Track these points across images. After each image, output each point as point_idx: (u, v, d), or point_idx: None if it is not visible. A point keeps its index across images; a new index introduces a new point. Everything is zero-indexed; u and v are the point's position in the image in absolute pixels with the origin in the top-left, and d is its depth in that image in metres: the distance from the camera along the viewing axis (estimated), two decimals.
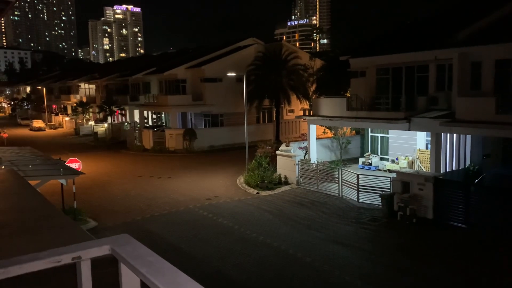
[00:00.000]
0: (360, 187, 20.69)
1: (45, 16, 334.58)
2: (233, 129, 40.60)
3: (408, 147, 25.48)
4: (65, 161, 22.38)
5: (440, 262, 13.94)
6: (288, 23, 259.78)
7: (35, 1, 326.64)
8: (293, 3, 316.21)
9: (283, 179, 24.84)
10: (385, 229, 17.37)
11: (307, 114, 41.39)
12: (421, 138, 24.70)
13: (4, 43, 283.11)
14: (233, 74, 34.07)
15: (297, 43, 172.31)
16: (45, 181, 15.91)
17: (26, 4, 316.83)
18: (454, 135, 21.01)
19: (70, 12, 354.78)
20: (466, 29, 22.10)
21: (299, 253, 14.80)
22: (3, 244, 5.26)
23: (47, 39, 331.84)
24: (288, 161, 25.10)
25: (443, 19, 27.61)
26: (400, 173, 19.27)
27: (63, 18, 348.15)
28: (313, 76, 41.36)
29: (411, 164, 24.38)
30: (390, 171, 23.99)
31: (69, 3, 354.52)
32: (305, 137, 29.14)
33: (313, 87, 40.95)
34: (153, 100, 46.39)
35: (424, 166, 23.63)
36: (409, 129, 21.48)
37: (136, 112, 51.70)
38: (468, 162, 21.93)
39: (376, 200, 19.52)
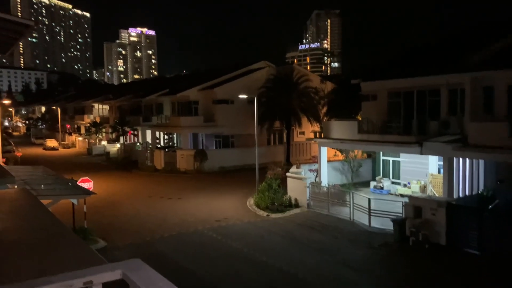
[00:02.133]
0: (371, 211, 20.45)
1: (62, 38, 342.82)
2: (243, 150, 40.67)
3: (420, 171, 25.23)
4: (77, 181, 22.56)
5: None
6: (300, 47, 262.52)
7: (53, 24, 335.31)
8: (305, 27, 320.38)
9: (293, 202, 24.68)
10: (397, 255, 17.08)
11: (318, 136, 41.36)
12: (433, 163, 24.46)
13: (22, 64, 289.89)
14: (245, 96, 34.34)
15: (308, 67, 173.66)
16: (57, 200, 16.01)
17: (44, 27, 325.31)
18: (467, 159, 20.78)
19: (86, 35, 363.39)
20: (478, 54, 22.09)
21: (309, 278, 14.58)
22: (14, 263, 5.27)
23: (63, 60, 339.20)
24: (298, 184, 24.99)
25: (454, 43, 27.66)
26: (412, 197, 19.05)
27: (79, 40, 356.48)
28: (324, 99, 41.55)
29: (423, 188, 24.09)
30: (402, 195, 23.73)
31: (85, 25, 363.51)
32: (316, 159, 29.07)
33: (324, 109, 41.08)
34: (166, 121, 46.83)
35: (436, 190, 23.33)
36: (421, 153, 21.32)
37: (149, 133, 52.16)
38: (481, 187, 21.60)
39: (388, 225, 19.24)
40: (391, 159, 27.46)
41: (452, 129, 21.46)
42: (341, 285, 14.04)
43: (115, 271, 2.15)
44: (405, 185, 25.21)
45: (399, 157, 26.80)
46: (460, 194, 20.61)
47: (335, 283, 14.26)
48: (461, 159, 20.52)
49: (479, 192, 21.18)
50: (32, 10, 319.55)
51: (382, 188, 25.68)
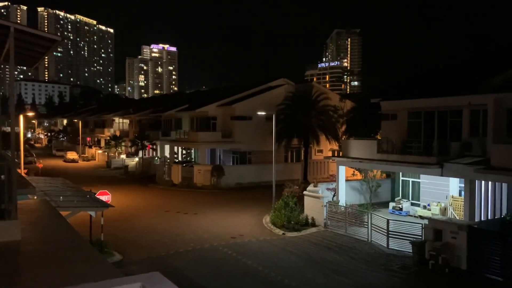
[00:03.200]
0: (390, 232, 20.06)
1: (86, 53, 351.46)
2: (260, 167, 40.60)
3: (440, 193, 24.73)
4: (95, 193, 22.79)
5: None
6: (319, 65, 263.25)
7: (78, 39, 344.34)
8: (325, 46, 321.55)
9: (310, 221, 24.40)
10: (415, 278, 16.65)
11: (336, 155, 41.06)
12: (454, 185, 23.96)
13: (46, 77, 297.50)
14: (263, 113, 34.44)
15: (328, 85, 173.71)
16: (75, 212, 16.17)
17: (69, 42, 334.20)
18: (489, 182, 20.30)
19: (109, 50, 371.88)
20: (501, 75, 21.76)
21: None
22: (33, 274, 5.30)
23: (86, 74, 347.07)
24: (316, 202, 24.74)
25: (476, 64, 27.34)
26: (432, 220, 18.63)
27: (102, 55, 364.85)
28: (343, 117, 41.37)
29: (444, 211, 23.58)
30: (421, 217, 23.25)
31: (109, 41, 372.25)
32: (333, 178, 28.80)
33: (343, 128, 40.86)
34: (184, 136, 47.21)
35: (457, 213, 22.81)
36: (442, 175, 20.93)
37: (167, 147, 52.61)
38: (504, 211, 21.03)
39: (407, 247, 18.83)
40: (410, 179, 27.02)
41: (474, 150, 21.07)
42: None
43: (135, 284, 2.13)
44: (424, 207, 24.72)
45: (419, 178, 26.36)
46: (482, 218, 20.09)
47: None
48: (483, 182, 20.05)
49: (502, 216, 20.62)
50: (58, 26, 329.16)
51: (401, 209, 25.23)
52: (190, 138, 45.30)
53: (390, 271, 17.20)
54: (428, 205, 24.47)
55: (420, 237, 18.58)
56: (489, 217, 20.41)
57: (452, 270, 16.72)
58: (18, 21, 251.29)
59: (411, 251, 18.23)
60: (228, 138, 43.46)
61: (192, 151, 49.59)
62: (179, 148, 51.37)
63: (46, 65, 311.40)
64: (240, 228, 24.08)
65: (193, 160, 47.80)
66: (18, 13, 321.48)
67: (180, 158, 50.74)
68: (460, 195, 23.32)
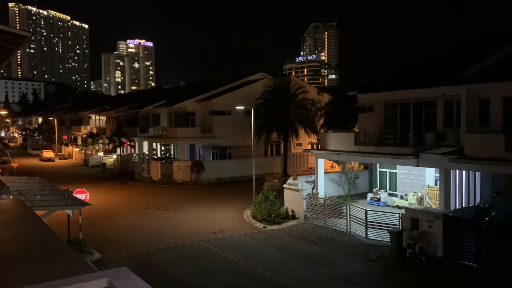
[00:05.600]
0: (368, 223, 20.38)
1: (60, 49, 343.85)
2: (240, 161, 40.64)
3: (417, 183, 25.23)
4: (72, 192, 22.43)
5: None
6: (297, 59, 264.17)
7: (51, 35, 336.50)
8: (302, 40, 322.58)
9: (290, 213, 24.59)
10: (394, 267, 16.98)
11: (315, 148, 41.40)
12: (430, 174, 24.47)
13: (19, 75, 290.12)
14: (242, 107, 34.41)
15: (306, 78, 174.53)
16: (51, 211, 15.90)
17: (42, 38, 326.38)
18: (464, 171, 20.80)
19: (84, 46, 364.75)
20: (474, 66, 22.27)
21: None
22: (6, 275, 5.21)
23: (61, 71, 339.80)
24: (295, 195, 24.92)
25: (450, 57, 27.90)
26: (409, 209, 19.00)
27: (77, 51, 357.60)
28: (321, 111, 41.65)
29: (420, 200, 24.06)
30: (399, 207, 23.67)
31: (84, 37, 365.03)
32: (313, 171, 29.03)
33: (321, 121, 41.14)
34: (163, 132, 46.82)
35: (433, 202, 23.31)
36: (418, 165, 21.33)
37: (145, 144, 52.11)
38: (478, 199, 21.61)
39: (385, 237, 19.17)
40: (388, 170, 27.47)
41: (448, 141, 21.53)
42: None
43: (101, 280, 2.12)
44: (402, 197, 25.18)
45: (396, 169, 26.82)
46: (457, 206, 20.59)
47: None
48: (457, 171, 20.53)
49: (476, 204, 21.19)
50: (31, 22, 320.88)
51: (379, 200, 25.65)
52: (169, 134, 44.96)
53: (369, 260, 17.49)
54: (405, 195, 24.93)
55: (398, 227, 18.93)
56: (464, 205, 20.94)
57: (429, 258, 17.12)
58: None
59: (389, 240, 18.57)
60: (207, 134, 43.31)
61: (171, 147, 49.26)
62: (158, 144, 50.94)
63: (19, 62, 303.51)
64: (221, 223, 24.09)
65: (172, 156, 47.50)
66: None
67: (159, 155, 50.34)
68: (436, 184, 23.83)
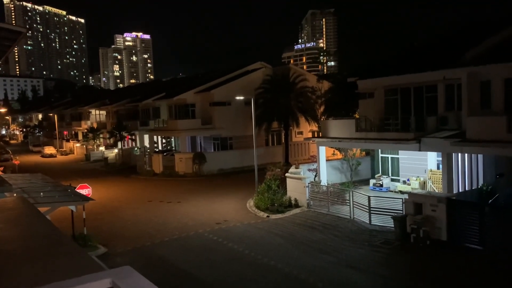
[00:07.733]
0: (371, 209, 20.40)
1: (57, 45, 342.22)
2: (242, 152, 40.60)
3: (419, 168, 25.19)
4: (75, 187, 22.47)
5: (456, 286, 13.56)
6: (295, 47, 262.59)
7: (48, 31, 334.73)
8: (300, 27, 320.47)
9: (293, 202, 24.62)
10: (398, 252, 17.02)
11: (316, 136, 41.34)
12: (432, 159, 24.42)
13: (17, 72, 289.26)
14: (242, 97, 34.29)
15: (305, 66, 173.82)
16: (54, 207, 15.93)
17: (39, 34, 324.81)
18: (466, 155, 20.75)
19: (81, 41, 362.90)
20: (474, 49, 22.07)
21: (311, 278, 14.51)
22: (11, 273, 5.20)
23: (59, 67, 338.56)
24: (298, 184, 24.93)
25: (451, 41, 27.67)
26: (412, 194, 19.00)
27: (75, 46, 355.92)
28: (321, 98, 41.51)
29: (423, 185, 24.05)
30: (401, 192, 23.68)
31: (80, 31, 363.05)
32: (314, 159, 29.01)
33: (322, 109, 41.04)
34: (163, 125, 46.76)
35: (436, 186, 23.30)
36: (419, 150, 21.27)
37: (146, 137, 52.06)
38: (481, 182, 21.58)
39: (389, 222, 19.19)
40: (389, 156, 27.42)
41: (450, 124, 21.45)
42: (344, 285, 13.97)
43: (104, 280, 2.09)
44: (404, 182, 25.17)
45: (397, 154, 26.77)
46: (460, 189, 20.58)
47: (338, 283, 14.18)
48: (459, 154, 20.48)
49: (479, 187, 21.16)
50: (27, 18, 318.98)
51: (381, 185, 25.64)
52: (170, 126, 44.89)
53: (373, 246, 17.53)
54: (408, 180, 24.92)
55: (401, 212, 18.95)
56: (466, 189, 20.91)
57: (433, 242, 17.14)
58: None
59: (392, 226, 18.60)
60: (208, 125, 43.23)
61: (172, 139, 49.20)
62: (159, 137, 50.89)
63: (17, 59, 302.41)
64: (224, 214, 24.14)
65: (173, 148, 47.47)
66: None
67: (160, 147, 50.32)
68: (438, 168, 23.80)
